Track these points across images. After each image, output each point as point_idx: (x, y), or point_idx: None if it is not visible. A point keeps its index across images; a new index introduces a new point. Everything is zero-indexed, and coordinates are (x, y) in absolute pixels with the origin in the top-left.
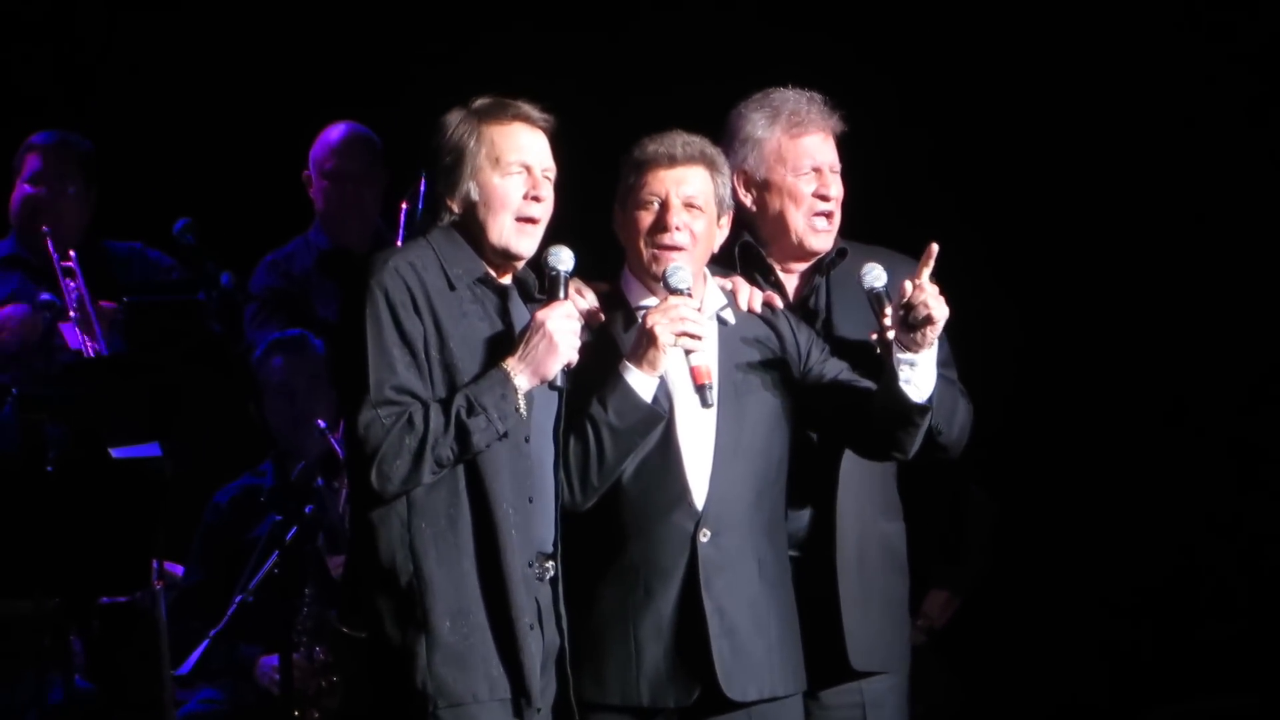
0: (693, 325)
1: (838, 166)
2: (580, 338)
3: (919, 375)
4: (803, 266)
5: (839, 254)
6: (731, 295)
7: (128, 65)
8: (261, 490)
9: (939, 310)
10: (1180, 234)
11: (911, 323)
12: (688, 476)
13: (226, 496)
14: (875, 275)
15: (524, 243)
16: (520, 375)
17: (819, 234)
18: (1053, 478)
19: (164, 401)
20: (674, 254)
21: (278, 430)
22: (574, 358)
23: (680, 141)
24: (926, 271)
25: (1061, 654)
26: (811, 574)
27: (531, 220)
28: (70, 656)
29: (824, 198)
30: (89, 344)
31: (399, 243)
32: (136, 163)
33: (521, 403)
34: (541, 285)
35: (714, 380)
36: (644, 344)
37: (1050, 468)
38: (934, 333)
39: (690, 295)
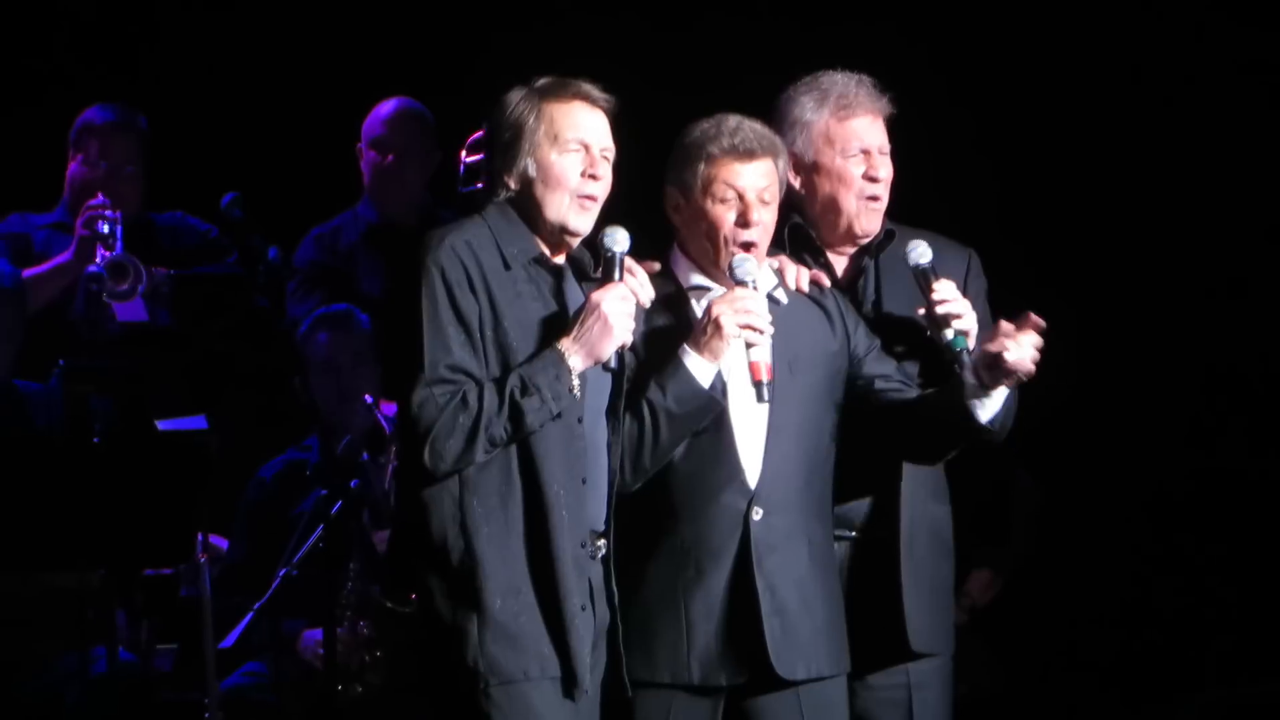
0: (758, 319)
1: (887, 148)
2: (635, 320)
3: (991, 402)
4: (852, 249)
5: (887, 236)
6: (780, 274)
7: (181, 36)
8: (306, 465)
9: (1025, 366)
10: (1240, 219)
11: (993, 368)
12: (740, 455)
13: (271, 471)
14: (920, 252)
15: (581, 220)
16: (574, 356)
17: (869, 214)
18: (1098, 462)
19: (210, 374)
20: (752, 249)
21: (323, 405)
22: (628, 339)
23: (752, 133)
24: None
25: (1102, 635)
26: (872, 556)
27: (589, 198)
28: (114, 629)
29: (873, 179)
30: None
31: (458, 191)
32: (187, 134)
33: (575, 383)
34: (596, 264)
35: (773, 376)
36: (709, 331)
37: (1096, 452)
38: (1013, 379)
39: (756, 288)
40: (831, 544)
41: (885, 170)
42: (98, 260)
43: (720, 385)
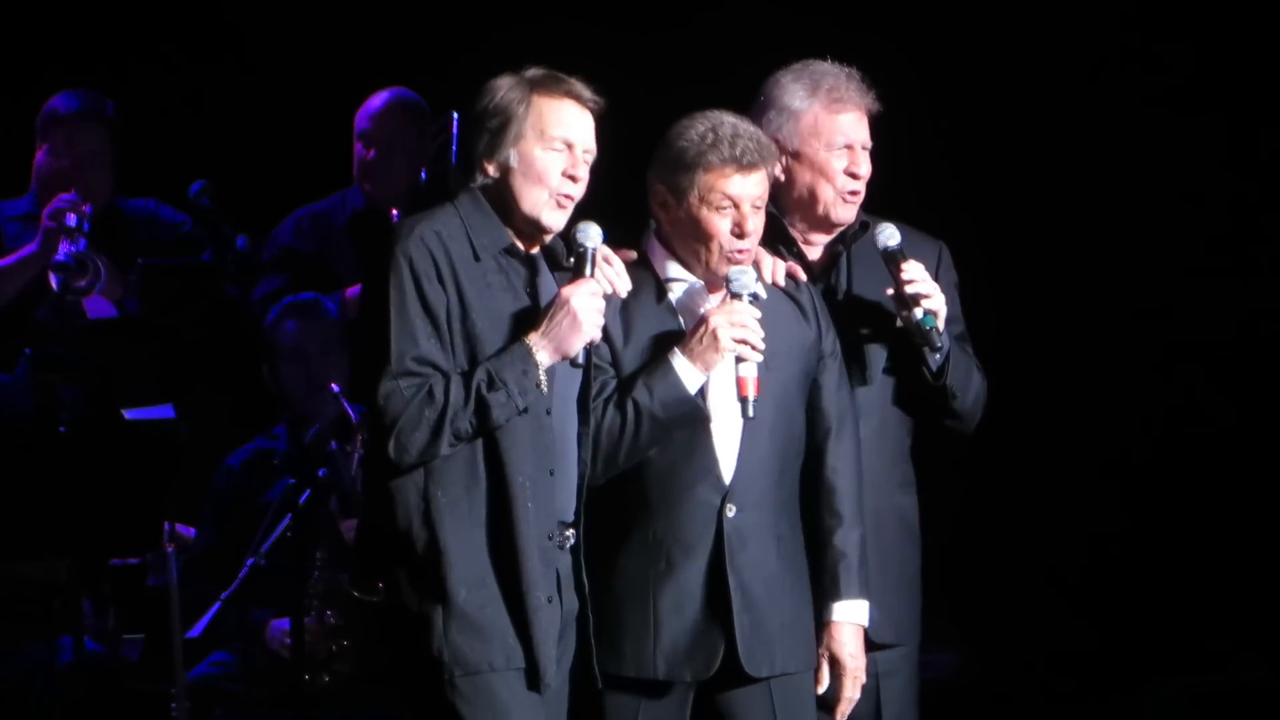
0: (753, 335)
1: (869, 145)
2: (605, 315)
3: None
4: (825, 237)
5: (861, 226)
6: (756, 267)
7: (155, 20)
8: (275, 454)
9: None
10: (1203, 208)
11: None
12: (716, 450)
13: (239, 459)
14: (889, 234)
15: (555, 217)
16: (542, 351)
17: (846, 205)
18: (1067, 452)
19: (178, 364)
20: (742, 255)
21: (291, 394)
22: (597, 335)
23: (752, 143)
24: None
25: (1073, 625)
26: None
27: (566, 197)
28: (81, 619)
29: (854, 175)
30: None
31: (454, 146)
32: (159, 120)
33: (543, 379)
34: (570, 255)
35: (760, 393)
36: (704, 342)
37: (1067, 442)
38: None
39: (754, 301)
40: (800, 540)
41: (866, 168)
42: (61, 252)
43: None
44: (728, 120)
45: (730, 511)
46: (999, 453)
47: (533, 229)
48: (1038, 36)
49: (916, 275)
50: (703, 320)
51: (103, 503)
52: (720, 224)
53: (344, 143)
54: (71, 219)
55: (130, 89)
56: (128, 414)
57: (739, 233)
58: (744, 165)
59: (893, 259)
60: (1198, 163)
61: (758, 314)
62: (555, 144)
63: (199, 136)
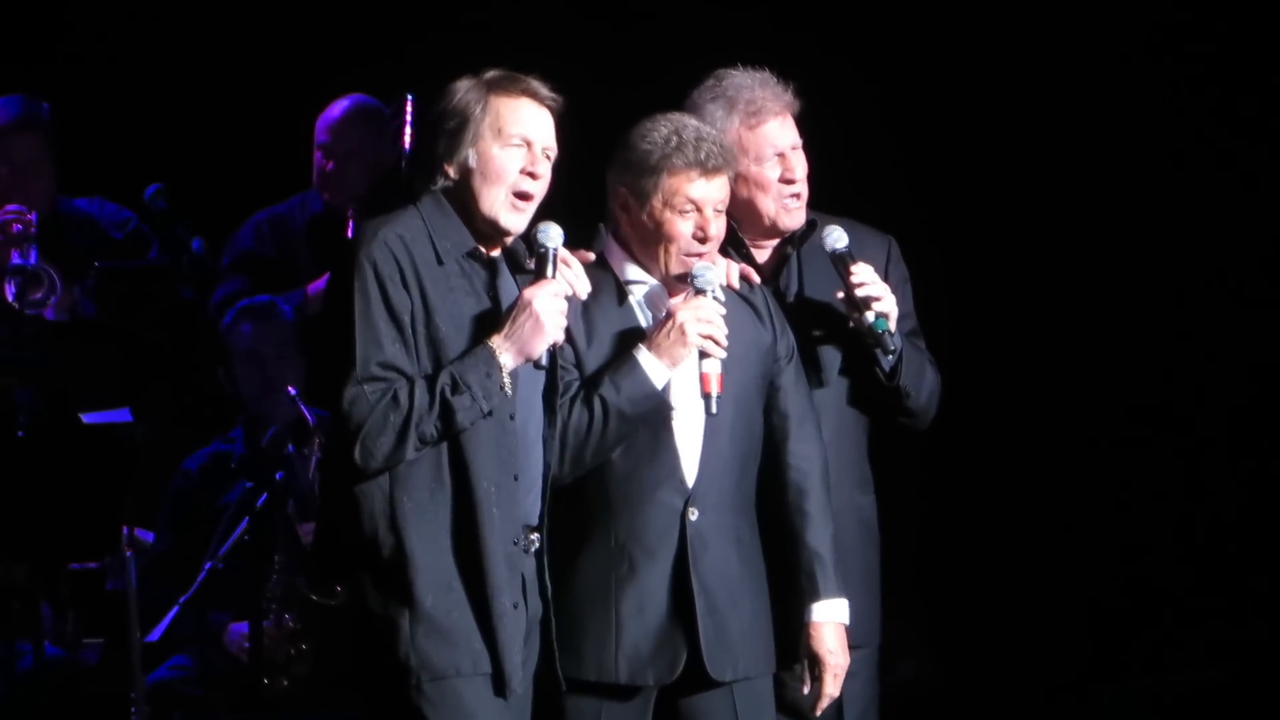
0: (719, 330)
1: (799, 143)
2: (566, 316)
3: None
4: (774, 240)
5: (809, 226)
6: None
7: (109, 22)
8: (231, 457)
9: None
10: (1144, 225)
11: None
12: (679, 453)
13: (196, 463)
14: (836, 237)
15: (513, 218)
16: (505, 354)
17: (790, 213)
18: (1025, 450)
19: (135, 367)
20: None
21: (247, 396)
22: (560, 337)
23: (715, 147)
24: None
25: (1037, 625)
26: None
27: (525, 196)
28: (39, 623)
29: (790, 180)
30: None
31: (406, 130)
32: (114, 122)
33: (507, 381)
34: (531, 256)
35: (723, 389)
36: (671, 337)
37: (1025, 437)
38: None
39: (717, 297)
40: (758, 543)
41: (801, 168)
42: (13, 264)
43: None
44: (690, 123)
45: (693, 514)
46: (957, 452)
47: (493, 230)
48: (988, 22)
49: (866, 278)
50: (669, 316)
51: (60, 506)
52: (682, 227)
53: (301, 144)
54: (18, 229)
55: (84, 90)
56: (85, 417)
57: (701, 236)
58: (708, 169)
59: (841, 261)
60: (1152, 149)
61: (723, 310)
62: (513, 141)
63: (153, 139)
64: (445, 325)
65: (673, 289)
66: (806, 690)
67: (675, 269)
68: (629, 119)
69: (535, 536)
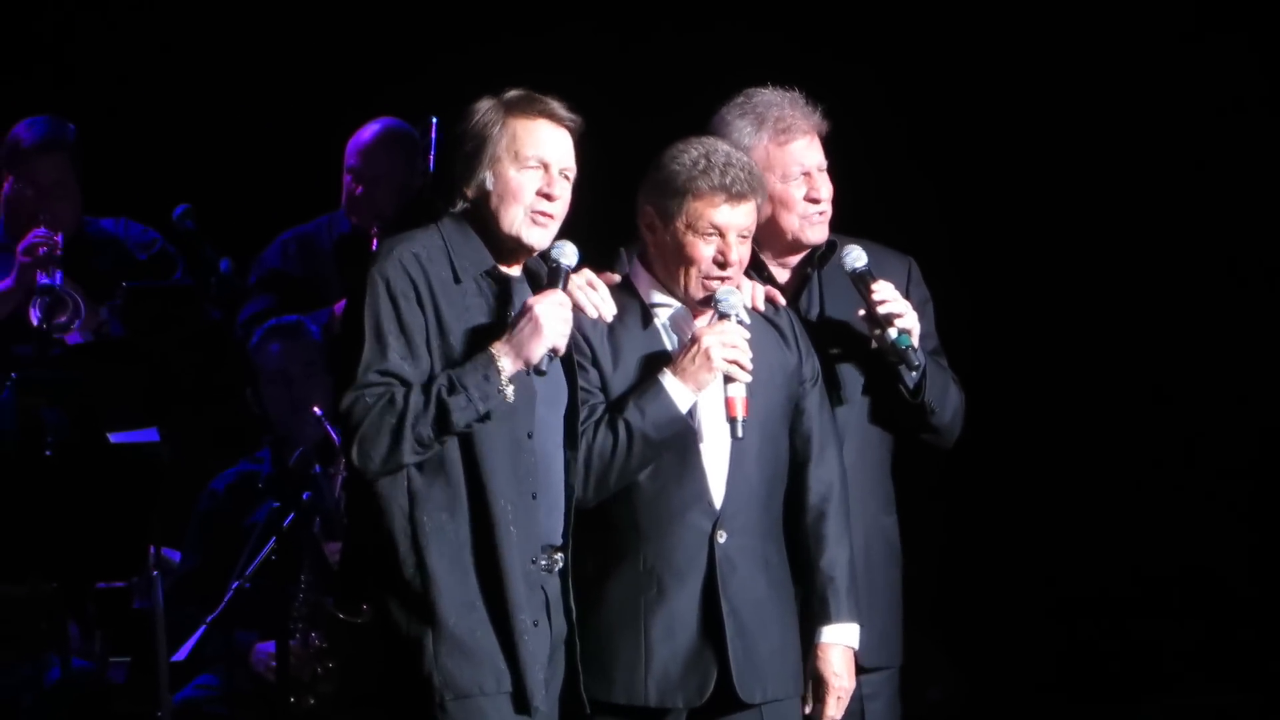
0: (744, 355)
1: (824, 164)
2: (568, 325)
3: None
4: (794, 259)
5: (829, 247)
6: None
7: (139, 42)
8: (258, 476)
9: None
10: (1156, 226)
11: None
12: (707, 476)
13: (223, 483)
14: (855, 256)
15: (535, 234)
16: (505, 358)
17: (814, 226)
18: (1050, 468)
19: (162, 387)
20: (720, 282)
21: (274, 416)
22: (560, 344)
23: (743, 173)
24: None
25: (1063, 646)
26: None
27: (543, 214)
28: (67, 641)
29: (815, 200)
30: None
31: (431, 156)
32: (145, 145)
33: (506, 384)
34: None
35: (749, 414)
36: (696, 361)
37: (1046, 457)
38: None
39: (741, 321)
40: (785, 565)
41: (826, 189)
42: (39, 286)
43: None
44: (721, 148)
45: (721, 537)
46: (980, 472)
47: (515, 247)
48: (1010, 43)
49: (887, 295)
50: (694, 340)
51: (87, 526)
52: (703, 250)
53: (328, 164)
54: (44, 251)
55: (113, 111)
56: (112, 437)
57: (721, 261)
58: (733, 195)
59: (861, 280)
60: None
61: (747, 334)
62: (530, 163)
63: (181, 160)
64: (459, 343)
65: (697, 312)
66: (808, 710)
67: (695, 292)
68: (654, 142)
69: (559, 556)
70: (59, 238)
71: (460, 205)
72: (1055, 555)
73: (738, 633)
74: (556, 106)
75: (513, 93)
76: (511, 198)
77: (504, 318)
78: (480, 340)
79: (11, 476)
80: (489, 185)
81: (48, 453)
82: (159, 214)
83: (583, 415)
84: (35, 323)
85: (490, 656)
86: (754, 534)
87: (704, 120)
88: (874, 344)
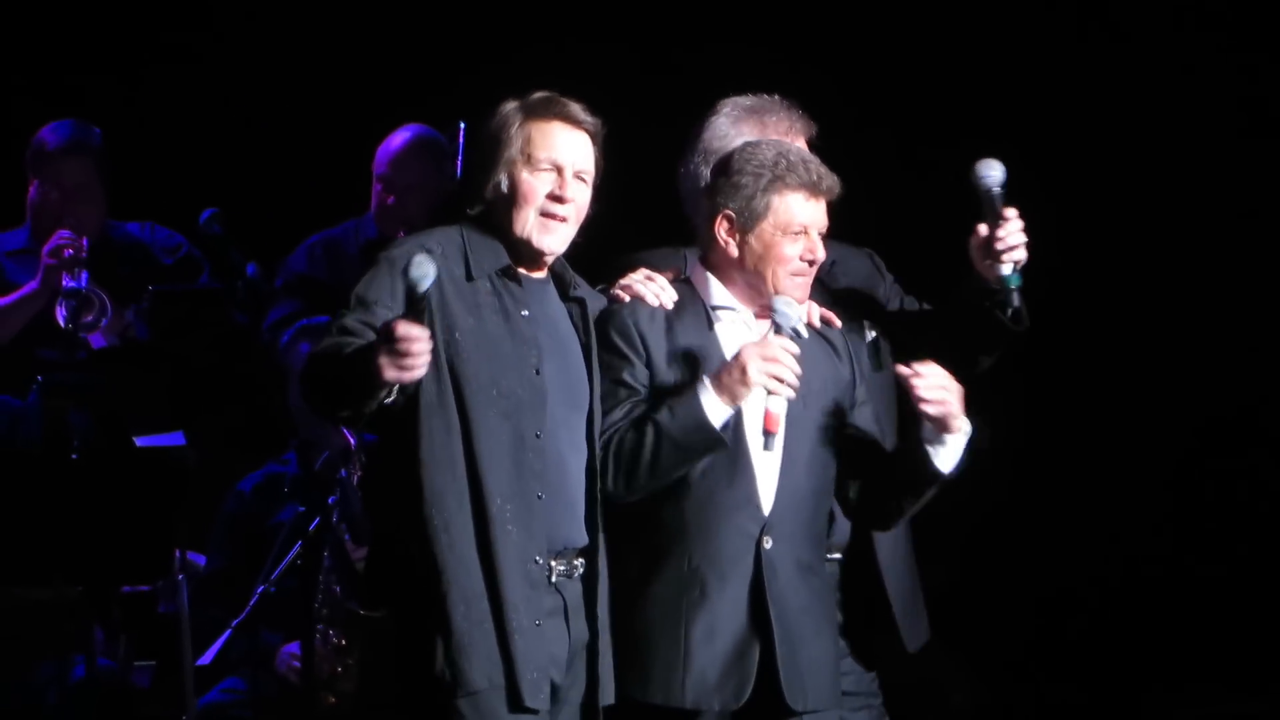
0: (787, 371)
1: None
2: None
3: (945, 451)
4: None
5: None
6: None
7: (169, 48)
8: (284, 479)
9: (948, 398)
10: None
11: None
12: (757, 480)
13: (249, 484)
14: (993, 173)
15: (547, 238)
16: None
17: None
18: (1074, 476)
19: (188, 390)
20: (805, 277)
21: (300, 419)
22: (776, 389)
23: (821, 168)
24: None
25: (1081, 652)
26: (859, 576)
27: (554, 217)
28: (92, 645)
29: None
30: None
31: (459, 160)
32: (171, 148)
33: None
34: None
35: (780, 431)
36: (734, 374)
37: (1072, 466)
38: (957, 421)
39: (797, 335)
40: (826, 574)
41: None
42: (64, 288)
43: (733, 418)
44: (791, 146)
45: (767, 543)
46: (1002, 478)
47: (528, 250)
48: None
49: (1014, 230)
50: (738, 354)
51: (113, 529)
52: (791, 250)
53: (355, 169)
54: (70, 253)
55: (140, 115)
56: (138, 441)
57: (810, 259)
58: (820, 190)
59: (994, 203)
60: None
61: (796, 350)
62: (543, 166)
63: (209, 163)
64: (466, 339)
65: (763, 314)
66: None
67: (787, 289)
68: (673, 152)
69: (580, 561)
70: (84, 241)
71: (479, 207)
72: (1077, 560)
73: (783, 638)
74: (574, 108)
75: (534, 95)
76: (523, 200)
77: (518, 320)
78: (488, 340)
79: (38, 480)
80: (504, 188)
81: (74, 456)
82: (186, 218)
83: (621, 413)
84: (61, 323)
85: (488, 652)
86: (799, 542)
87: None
88: (976, 270)
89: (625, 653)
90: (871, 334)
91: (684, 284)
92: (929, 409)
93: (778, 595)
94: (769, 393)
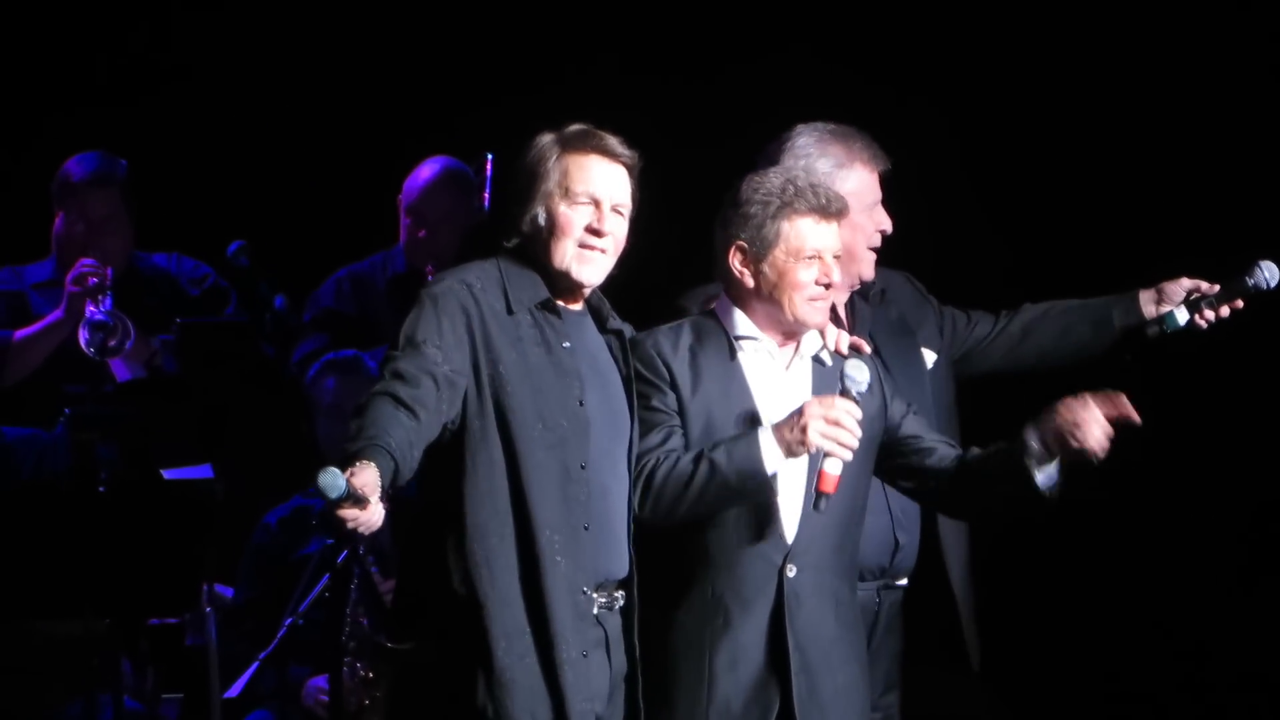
0: (847, 435)
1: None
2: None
3: (1051, 468)
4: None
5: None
6: (821, 336)
7: (200, 80)
8: (312, 512)
9: (1095, 447)
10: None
11: (1063, 441)
12: (780, 509)
13: (276, 517)
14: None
15: (586, 270)
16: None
17: (871, 264)
18: (1103, 490)
19: (215, 423)
20: (824, 301)
21: (329, 452)
22: (832, 450)
23: (830, 192)
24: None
25: (1111, 676)
26: (929, 600)
27: (592, 249)
28: (119, 678)
29: (883, 232)
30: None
31: (486, 193)
32: (198, 181)
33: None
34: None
35: (837, 491)
36: (794, 432)
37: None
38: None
39: (860, 397)
40: (856, 604)
41: (887, 225)
42: (88, 315)
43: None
44: (799, 173)
45: (791, 571)
46: None
47: (567, 283)
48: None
49: (1225, 312)
50: (801, 409)
51: (141, 562)
52: (805, 275)
53: (383, 202)
54: (94, 281)
55: (166, 147)
56: (165, 473)
57: (826, 283)
58: (829, 214)
59: (1244, 292)
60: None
61: (859, 414)
62: (580, 199)
63: (236, 196)
64: (510, 373)
65: (785, 341)
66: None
67: (805, 315)
68: (710, 175)
69: (619, 594)
70: (109, 271)
71: (515, 240)
72: (1109, 579)
73: (802, 668)
74: (611, 142)
75: (570, 128)
76: (561, 233)
77: (560, 352)
78: (532, 373)
79: (65, 512)
80: (541, 220)
81: (101, 489)
82: (213, 250)
83: (659, 437)
84: (84, 347)
85: (532, 686)
86: (825, 571)
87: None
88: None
89: (650, 681)
90: (933, 359)
91: (709, 315)
92: (1092, 445)
93: (801, 625)
94: (825, 454)
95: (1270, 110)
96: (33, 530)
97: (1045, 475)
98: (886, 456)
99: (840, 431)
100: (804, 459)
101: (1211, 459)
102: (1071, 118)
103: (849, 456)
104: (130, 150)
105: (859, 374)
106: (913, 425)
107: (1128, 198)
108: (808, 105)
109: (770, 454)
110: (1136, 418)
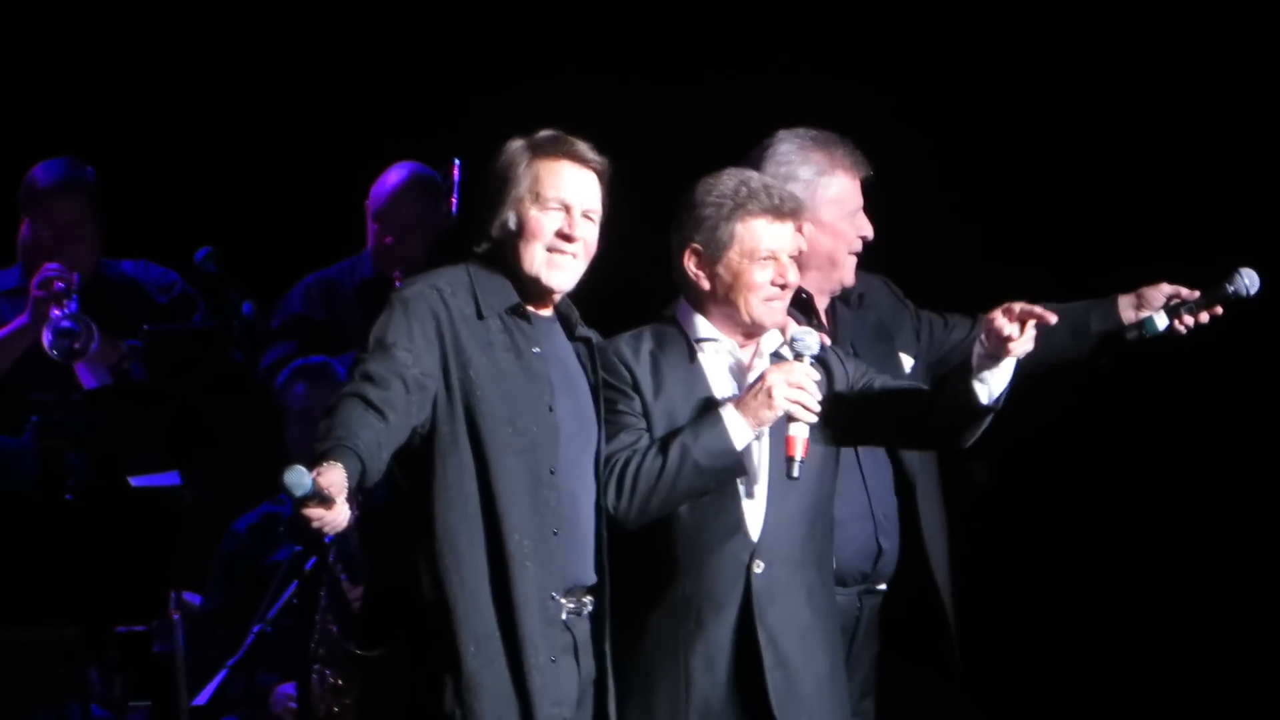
0: (810, 397)
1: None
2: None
3: (995, 377)
4: (828, 295)
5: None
6: (783, 331)
7: (163, 86)
8: (280, 519)
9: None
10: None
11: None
12: (743, 507)
13: (245, 524)
14: (1253, 281)
15: (556, 275)
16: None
17: (851, 269)
18: (1084, 495)
19: (184, 430)
20: (780, 301)
21: (298, 458)
22: (796, 413)
23: (785, 193)
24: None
25: (1091, 687)
26: (912, 603)
27: (562, 254)
28: (87, 685)
29: (865, 238)
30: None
31: (454, 198)
32: (166, 187)
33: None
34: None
35: (807, 454)
36: (759, 398)
37: (1083, 484)
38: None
39: (815, 363)
40: (831, 592)
41: (869, 231)
42: (56, 319)
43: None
44: (753, 174)
45: (758, 567)
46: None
47: (537, 288)
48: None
49: (1204, 319)
50: (761, 377)
51: (108, 569)
52: (760, 276)
53: (350, 207)
54: (60, 286)
55: (134, 154)
56: (133, 481)
57: (781, 283)
58: (783, 214)
59: (1224, 299)
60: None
61: (817, 376)
62: (551, 205)
63: (204, 202)
64: (481, 377)
65: (745, 341)
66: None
67: (761, 316)
68: (681, 182)
69: (589, 599)
70: (74, 275)
71: (485, 245)
72: (1099, 588)
73: (777, 663)
74: (581, 148)
75: (541, 134)
76: (531, 237)
77: (530, 357)
78: (502, 377)
79: (33, 520)
80: (511, 225)
81: (69, 496)
82: (181, 256)
83: (628, 438)
84: (48, 349)
85: (501, 691)
86: (794, 564)
87: (735, 160)
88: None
89: (627, 686)
90: (911, 364)
91: (668, 320)
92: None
93: (773, 620)
94: (789, 419)
95: (1251, 117)
96: (0, 538)
97: (989, 389)
98: (855, 414)
99: (802, 394)
100: (763, 454)
101: (1195, 464)
102: (1053, 122)
103: (813, 419)
104: (96, 156)
105: (809, 338)
106: (876, 380)
107: (1108, 203)
108: (789, 111)
109: (737, 430)
110: (1051, 318)
